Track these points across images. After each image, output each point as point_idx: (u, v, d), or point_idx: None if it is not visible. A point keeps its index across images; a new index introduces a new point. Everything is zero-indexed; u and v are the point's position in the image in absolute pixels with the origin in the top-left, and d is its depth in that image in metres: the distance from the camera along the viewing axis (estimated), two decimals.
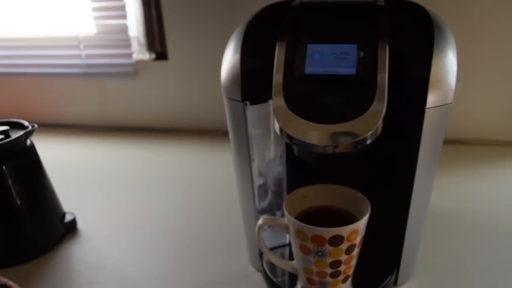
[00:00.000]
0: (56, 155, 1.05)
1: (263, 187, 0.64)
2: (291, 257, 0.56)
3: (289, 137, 0.43)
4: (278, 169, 0.65)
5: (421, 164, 0.49)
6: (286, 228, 0.51)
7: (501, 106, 0.95)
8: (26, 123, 0.68)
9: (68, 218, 0.73)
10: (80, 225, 0.75)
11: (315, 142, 0.42)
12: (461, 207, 0.75)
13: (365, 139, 0.41)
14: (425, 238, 0.66)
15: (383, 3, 0.48)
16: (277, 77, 0.45)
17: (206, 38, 1.03)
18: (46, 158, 0.72)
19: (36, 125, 0.67)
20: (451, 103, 0.46)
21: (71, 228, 0.74)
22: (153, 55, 1.10)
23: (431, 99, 0.45)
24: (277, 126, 0.44)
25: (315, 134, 0.42)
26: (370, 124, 0.41)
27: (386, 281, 0.55)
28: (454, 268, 0.60)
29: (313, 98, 0.43)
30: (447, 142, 1.00)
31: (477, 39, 0.91)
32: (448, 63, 0.46)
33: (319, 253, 0.48)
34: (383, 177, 0.56)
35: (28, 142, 0.68)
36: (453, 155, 0.94)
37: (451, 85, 0.46)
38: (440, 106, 0.46)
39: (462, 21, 0.90)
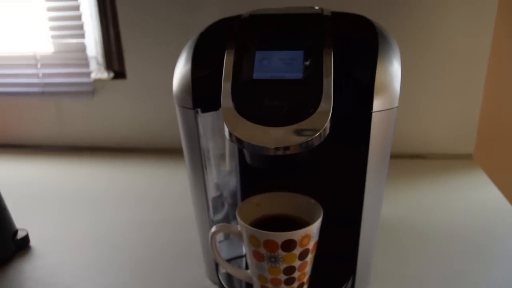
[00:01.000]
0: (13, 175, 1.03)
1: (219, 199, 0.64)
2: (247, 269, 0.55)
3: (238, 141, 0.43)
4: (234, 181, 0.65)
5: (371, 169, 0.50)
6: (239, 235, 0.51)
7: (455, 122, 0.98)
8: None
9: (20, 235, 0.71)
10: (33, 242, 0.73)
11: (264, 144, 0.42)
12: (416, 217, 0.76)
13: (313, 140, 0.42)
14: (380, 248, 0.67)
15: (330, 14, 0.50)
16: (226, 82, 0.46)
17: (164, 57, 1.03)
18: (2, 177, 0.70)
19: None
20: (397, 107, 0.48)
21: (23, 246, 0.72)
22: (111, 74, 1.10)
23: (377, 103, 0.46)
24: (226, 130, 0.44)
25: (264, 136, 0.43)
26: (318, 124, 0.42)
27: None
28: (410, 277, 0.61)
29: (261, 101, 0.44)
30: (405, 156, 1.02)
31: (430, 57, 0.94)
32: (392, 70, 0.47)
33: (272, 259, 0.48)
34: (335, 183, 0.56)
35: None
36: (410, 169, 0.96)
37: (396, 90, 0.47)
38: (386, 110, 0.47)
39: (417, 37, 0.93)
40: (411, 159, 1.02)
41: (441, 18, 0.91)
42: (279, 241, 0.47)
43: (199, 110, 0.51)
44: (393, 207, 0.80)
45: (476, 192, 0.84)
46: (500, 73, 0.96)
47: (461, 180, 0.90)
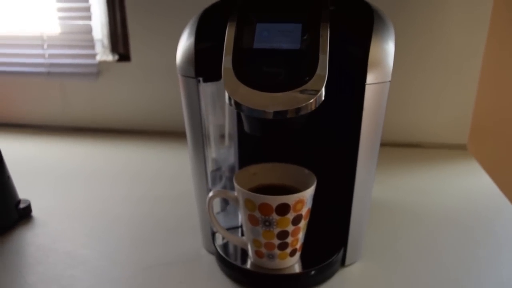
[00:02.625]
0: (16, 152, 1.05)
1: (218, 173, 0.66)
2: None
3: (237, 105, 0.45)
4: (233, 156, 0.67)
5: (364, 141, 0.52)
6: (235, 200, 0.53)
7: (451, 111, 1.00)
8: None
9: (23, 204, 0.73)
10: (35, 212, 0.75)
11: (262, 108, 0.45)
12: (410, 200, 0.78)
13: (309, 105, 0.44)
14: (374, 226, 0.69)
15: None
16: (227, 51, 0.48)
17: (169, 40, 1.05)
18: (6, 154, 0.72)
19: None
20: (389, 81, 0.50)
21: (25, 215, 0.74)
22: (116, 57, 1.12)
23: (371, 77, 0.48)
24: (226, 95, 0.46)
25: (262, 101, 0.45)
26: (313, 90, 0.44)
27: (333, 257, 0.57)
28: (401, 253, 0.63)
29: (260, 68, 0.46)
30: (401, 145, 1.05)
31: (426, 48, 0.96)
32: (386, 47, 0.49)
33: (267, 223, 0.50)
34: (329, 155, 0.58)
35: None
36: (406, 157, 0.98)
37: (389, 66, 0.50)
38: (379, 83, 0.49)
39: (413, 28, 0.95)
40: (407, 148, 1.04)
41: (438, 10, 0.93)
42: (274, 205, 0.49)
43: (201, 79, 0.53)
44: (388, 190, 0.82)
45: (468, 180, 0.86)
46: (494, 65, 0.98)
47: (455, 168, 0.92)
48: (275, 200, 0.49)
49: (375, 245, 0.65)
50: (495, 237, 0.66)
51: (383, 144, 1.01)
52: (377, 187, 0.81)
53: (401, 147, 1.04)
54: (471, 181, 0.86)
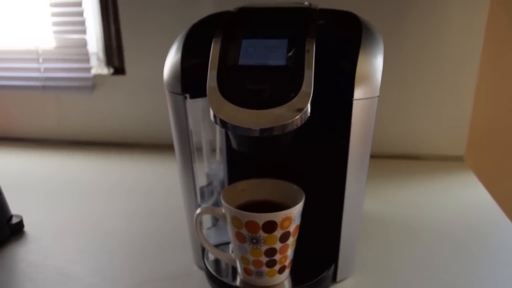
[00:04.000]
0: (10, 166, 1.05)
1: (209, 188, 0.66)
2: None
3: (223, 122, 0.45)
4: (224, 171, 0.67)
5: (352, 157, 0.52)
6: (223, 217, 0.52)
7: (448, 123, 1.00)
8: None
9: (15, 220, 0.73)
10: (28, 228, 0.75)
11: (248, 126, 0.44)
12: (405, 214, 0.78)
13: (295, 122, 0.44)
14: (367, 240, 0.68)
15: (317, 8, 0.52)
16: (212, 67, 0.48)
17: (163, 54, 1.05)
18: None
19: None
20: (378, 96, 0.50)
21: (17, 230, 0.73)
22: (111, 70, 1.12)
23: (358, 92, 0.48)
24: (211, 113, 0.46)
25: (247, 118, 0.44)
26: (299, 107, 0.44)
27: (323, 274, 0.56)
28: (394, 269, 0.62)
29: (245, 85, 0.46)
30: (397, 157, 1.04)
31: (422, 59, 0.96)
32: (374, 61, 0.49)
33: (254, 240, 0.50)
34: (317, 171, 0.58)
35: None
36: (401, 169, 0.98)
37: (377, 80, 0.49)
38: (367, 98, 0.49)
39: (409, 40, 0.95)
40: (403, 160, 1.03)
41: (433, 21, 0.93)
42: (260, 222, 0.48)
43: (187, 95, 0.52)
44: (383, 203, 0.81)
45: (465, 193, 0.85)
46: (491, 76, 0.98)
47: (451, 181, 0.91)
48: (261, 218, 0.48)
49: (368, 260, 0.64)
50: (491, 252, 0.66)
51: (377, 156, 1.01)
52: (372, 200, 0.81)
53: (397, 159, 1.03)
54: (467, 194, 0.85)
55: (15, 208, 0.76)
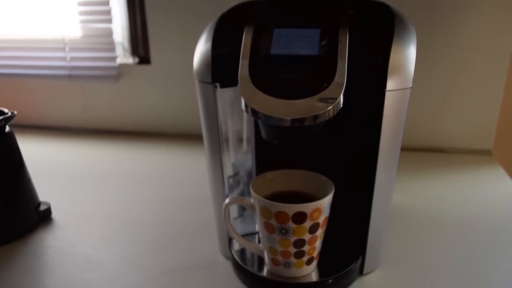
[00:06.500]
0: (37, 154, 1.06)
1: (236, 178, 0.65)
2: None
3: (254, 112, 0.45)
4: (250, 161, 0.67)
5: (383, 149, 0.51)
6: (252, 207, 0.52)
7: (476, 116, 0.98)
8: (6, 110, 0.69)
9: (43, 207, 0.74)
10: (55, 214, 0.76)
11: (279, 116, 0.44)
12: (432, 207, 0.77)
13: (327, 112, 0.43)
14: (394, 233, 0.68)
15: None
16: (244, 57, 0.47)
17: (188, 43, 1.05)
18: (27, 156, 0.73)
19: (15, 112, 0.69)
20: (410, 87, 0.49)
21: (45, 217, 0.74)
22: (136, 60, 1.13)
23: (391, 83, 0.47)
24: (242, 102, 0.46)
25: (279, 108, 0.44)
26: (331, 98, 0.43)
27: (351, 266, 0.56)
28: (421, 262, 0.61)
29: (277, 75, 0.46)
30: (425, 150, 1.03)
31: (453, 53, 0.94)
32: (407, 52, 0.48)
33: (283, 231, 0.50)
34: (347, 162, 0.57)
35: (7, 128, 0.69)
36: (429, 162, 0.97)
37: (410, 72, 0.48)
38: (400, 89, 0.48)
39: (440, 34, 0.93)
40: (430, 153, 1.02)
41: (465, 13, 0.91)
42: (290, 213, 0.48)
43: (217, 85, 0.52)
44: (410, 196, 0.81)
45: (493, 186, 0.84)
46: None
47: (479, 175, 0.90)
48: (291, 208, 0.48)
49: (395, 253, 0.63)
50: None
51: (405, 149, 1.00)
52: (399, 193, 0.80)
53: (424, 152, 1.02)
54: (495, 188, 0.83)
55: (42, 195, 0.77)
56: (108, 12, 1.09)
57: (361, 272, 0.59)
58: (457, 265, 0.61)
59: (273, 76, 0.45)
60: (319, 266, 0.56)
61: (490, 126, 0.99)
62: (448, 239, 0.67)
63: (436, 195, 0.81)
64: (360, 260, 0.57)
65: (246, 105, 0.45)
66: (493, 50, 0.93)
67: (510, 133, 1.01)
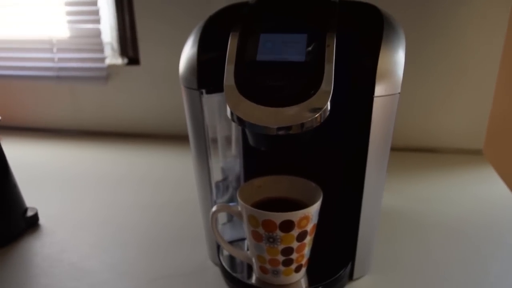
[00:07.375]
0: (24, 156, 1.05)
1: (225, 183, 0.65)
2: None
3: (240, 120, 0.44)
4: (239, 166, 0.66)
5: (372, 155, 0.50)
6: (239, 215, 0.51)
7: (467, 116, 0.98)
8: None
9: (30, 212, 0.73)
10: (42, 221, 0.75)
11: (265, 124, 0.43)
12: (423, 209, 0.76)
13: (314, 120, 0.43)
14: (383, 236, 0.67)
15: (337, 1, 0.50)
16: (229, 63, 0.46)
17: (178, 44, 1.04)
18: (14, 159, 0.72)
19: (0, 117, 0.68)
20: (399, 93, 0.48)
21: (32, 223, 0.73)
22: (125, 60, 1.11)
23: (379, 89, 0.47)
24: (228, 110, 0.45)
25: (265, 116, 0.43)
26: (318, 105, 0.43)
27: (340, 272, 0.55)
28: (411, 266, 0.61)
29: (263, 82, 0.45)
30: (415, 150, 1.02)
31: (443, 52, 0.94)
32: (396, 57, 0.47)
33: (271, 239, 0.49)
34: (336, 168, 0.57)
35: None
36: (420, 162, 0.96)
37: (398, 77, 0.48)
38: (388, 95, 0.47)
39: (430, 33, 0.93)
40: (421, 153, 1.02)
41: (455, 14, 0.91)
42: (277, 221, 0.47)
43: (203, 91, 0.51)
44: (400, 198, 0.80)
45: (483, 187, 0.84)
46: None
47: (470, 175, 0.89)
48: (279, 217, 0.47)
49: (385, 257, 0.63)
50: (509, 249, 0.64)
51: (395, 149, 1.00)
52: (388, 195, 0.79)
53: (414, 152, 1.02)
54: (486, 188, 0.83)
55: (29, 200, 0.76)
56: (96, 13, 1.07)
57: (350, 277, 0.58)
58: (447, 270, 0.60)
59: (259, 84, 0.45)
60: (308, 272, 0.56)
61: (481, 126, 0.99)
62: (439, 241, 0.67)
63: (427, 196, 0.81)
64: (349, 265, 0.57)
65: (231, 113, 0.44)
66: (484, 51, 0.92)
67: (500, 133, 1.01)
